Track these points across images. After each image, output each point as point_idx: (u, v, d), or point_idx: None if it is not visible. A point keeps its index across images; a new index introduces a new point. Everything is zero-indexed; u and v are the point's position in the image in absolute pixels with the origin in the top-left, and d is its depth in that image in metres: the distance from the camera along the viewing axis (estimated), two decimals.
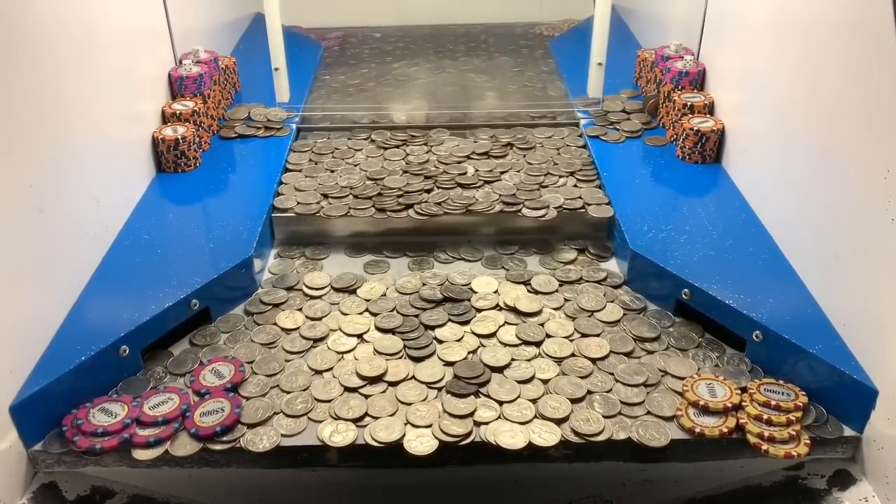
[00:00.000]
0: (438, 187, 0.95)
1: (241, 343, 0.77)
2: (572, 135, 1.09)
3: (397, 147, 1.06)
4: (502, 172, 0.99)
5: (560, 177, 0.98)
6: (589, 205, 0.92)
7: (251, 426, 0.67)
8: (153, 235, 0.86)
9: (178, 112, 1.02)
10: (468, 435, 0.66)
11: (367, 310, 0.81)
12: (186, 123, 1.01)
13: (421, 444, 0.65)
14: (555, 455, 0.67)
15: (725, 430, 0.65)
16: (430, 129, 1.12)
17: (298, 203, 0.93)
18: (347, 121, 1.15)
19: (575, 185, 0.97)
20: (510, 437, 0.66)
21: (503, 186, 0.96)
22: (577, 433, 0.66)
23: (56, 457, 0.66)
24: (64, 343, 0.70)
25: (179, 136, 0.98)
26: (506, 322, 0.79)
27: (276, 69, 1.11)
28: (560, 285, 0.84)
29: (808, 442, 0.65)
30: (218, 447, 0.65)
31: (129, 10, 0.96)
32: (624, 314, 0.80)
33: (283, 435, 0.66)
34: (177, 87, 1.07)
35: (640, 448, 0.65)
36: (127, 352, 0.71)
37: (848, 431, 0.66)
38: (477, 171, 0.99)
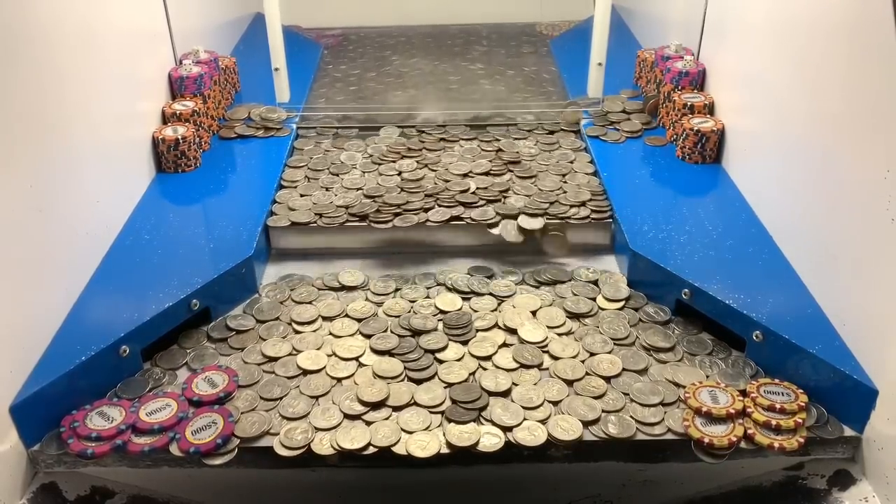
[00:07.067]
0: (440, 205, 0.92)
1: (240, 351, 0.76)
2: (581, 160, 1.02)
3: (393, 162, 1.02)
4: (503, 191, 0.94)
5: (570, 206, 0.92)
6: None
7: (246, 440, 0.66)
8: (153, 235, 0.86)
9: (178, 112, 1.02)
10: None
11: (359, 331, 0.78)
12: (186, 123, 1.01)
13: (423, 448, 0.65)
14: (555, 455, 0.67)
15: (734, 438, 0.65)
16: (427, 129, 1.11)
17: (292, 223, 0.90)
18: (347, 121, 1.15)
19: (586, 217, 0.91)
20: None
21: (507, 207, 0.91)
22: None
23: (55, 457, 0.66)
24: (64, 343, 0.70)
25: (179, 136, 0.98)
26: (504, 342, 0.76)
27: (276, 69, 1.11)
28: (569, 317, 0.80)
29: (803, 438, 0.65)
30: (218, 461, 0.65)
31: (130, 11, 0.96)
32: (639, 321, 0.79)
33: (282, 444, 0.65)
34: (177, 87, 1.07)
35: (640, 448, 0.65)
36: (127, 352, 0.71)
37: (848, 431, 0.66)
38: (477, 189, 0.95)
